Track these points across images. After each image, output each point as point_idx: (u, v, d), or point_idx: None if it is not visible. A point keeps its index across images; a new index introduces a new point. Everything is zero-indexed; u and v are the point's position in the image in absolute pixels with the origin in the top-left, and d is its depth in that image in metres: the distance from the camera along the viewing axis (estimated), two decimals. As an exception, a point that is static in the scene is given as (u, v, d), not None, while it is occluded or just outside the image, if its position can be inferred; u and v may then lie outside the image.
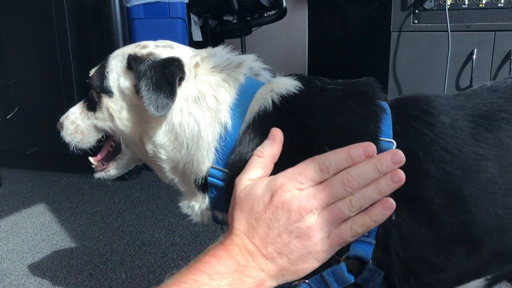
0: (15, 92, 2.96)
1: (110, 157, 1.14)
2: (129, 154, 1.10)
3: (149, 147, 0.98)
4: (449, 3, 2.39)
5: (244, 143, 0.86)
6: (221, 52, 1.02)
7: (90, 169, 1.16)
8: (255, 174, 0.76)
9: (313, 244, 0.70)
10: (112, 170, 1.13)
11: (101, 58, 1.09)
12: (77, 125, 1.09)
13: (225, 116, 0.90)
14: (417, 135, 0.80)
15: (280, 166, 0.81)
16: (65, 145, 1.13)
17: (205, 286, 0.67)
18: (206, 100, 0.92)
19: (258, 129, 0.86)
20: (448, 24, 2.37)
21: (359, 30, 4.07)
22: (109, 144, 1.14)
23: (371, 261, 0.79)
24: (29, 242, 2.02)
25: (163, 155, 0.97)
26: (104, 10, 2.55)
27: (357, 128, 0.82)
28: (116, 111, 1.01)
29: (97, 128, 1.07)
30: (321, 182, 0.73)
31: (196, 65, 0.97)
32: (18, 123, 2.99)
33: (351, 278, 0.80)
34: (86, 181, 2.77)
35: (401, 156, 0.73)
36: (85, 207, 2.40)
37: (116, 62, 1.02)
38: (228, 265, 0.69)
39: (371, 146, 0.74)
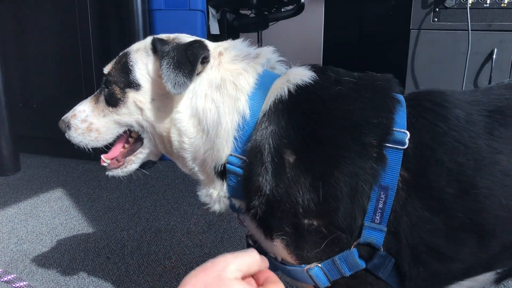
0: (35, 79, 3.03)
1: (129, 153, 1.13)
2: (150, 148, 1.10)
3: (175, 136, 1.01)
4: (470, 2, 2.37)
5: (259, 131, 0.89)
6: (240, 44, 1.06)
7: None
8: None
9: None
10: (129, 166, 1.13)
11: (121, 47, 1.10)
12: (90, 123, 1.09)
13: (244, 105, 0.93)
14: (430, 126, 0.82)
15: (293, 150, 0.84)
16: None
17: None
18: (227, 87, 0.95)
19: (273, 116, 0.89)
20: (469, 23, 2.35)
21: (376, 28, 4.06)
22: (123, 142, 1.14)
23: (382, 248, 0.81)
24: (47, 225, 2.08)
25: (186, 144, 1.00)
26: (125, 0, 2.60)
27: (369, 118, 0.84)
28: (146, 102, 1.02)
29: (120, 124, 1.07)
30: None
31: (220, 53, 1.01)
32: (37, 110, 3.06)
33: (362, 264, 0.82)
34: (102, 168, 2.80)
35: None
36: (102, 194, 2.45)
37: (139, 54, 1.05)
38: None
39: None
